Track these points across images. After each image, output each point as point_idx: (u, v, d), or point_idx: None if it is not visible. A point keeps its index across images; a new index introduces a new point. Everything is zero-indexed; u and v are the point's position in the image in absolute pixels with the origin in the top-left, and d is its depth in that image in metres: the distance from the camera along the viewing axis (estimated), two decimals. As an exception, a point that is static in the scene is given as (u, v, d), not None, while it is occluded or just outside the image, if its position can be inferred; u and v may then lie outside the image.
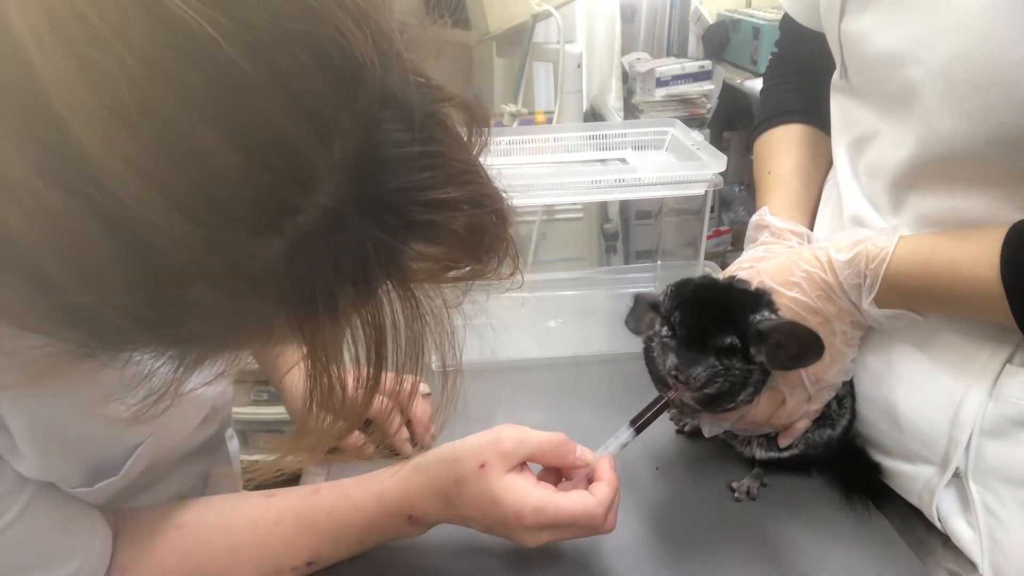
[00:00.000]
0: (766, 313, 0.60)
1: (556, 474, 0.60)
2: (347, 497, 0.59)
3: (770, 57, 0.90)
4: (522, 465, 0.57)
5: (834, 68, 0.69)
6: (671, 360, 0.57)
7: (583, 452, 0.59)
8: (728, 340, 0.57)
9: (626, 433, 0.61)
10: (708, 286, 0.63)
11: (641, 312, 0.64)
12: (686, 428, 0.75)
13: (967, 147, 0.54)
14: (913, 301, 0.60)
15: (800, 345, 0.57)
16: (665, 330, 0.60)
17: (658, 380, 0.63)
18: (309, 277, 0.29)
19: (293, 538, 0.58)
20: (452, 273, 0.37)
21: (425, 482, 0.58)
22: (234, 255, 0.27)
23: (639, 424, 0.61)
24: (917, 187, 0.60)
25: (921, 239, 0.59)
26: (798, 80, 0.84)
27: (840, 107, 0.71)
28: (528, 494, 0.54)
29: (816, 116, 0.79)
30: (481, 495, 0.55)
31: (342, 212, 0.28)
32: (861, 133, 0.67)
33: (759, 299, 0.61)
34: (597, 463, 0.58)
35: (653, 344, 0.61)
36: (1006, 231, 0.54)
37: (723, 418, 0.64)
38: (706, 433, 0.67)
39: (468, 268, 0.38)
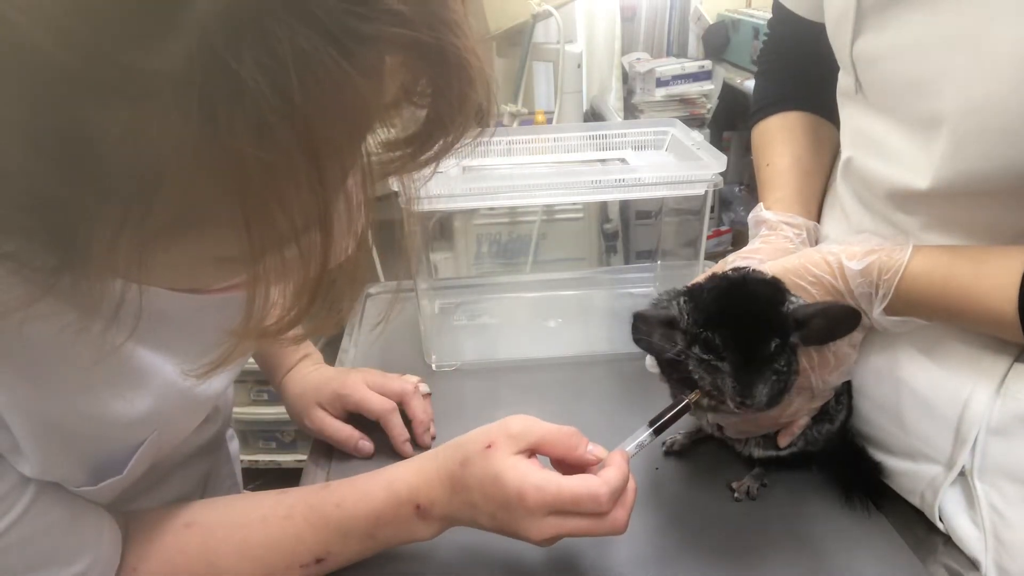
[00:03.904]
0: (792, 299, 0.59)
1: (567, 472, 0.58)
2: (356, 488, 0.59)
3: (763, 38, 0.88)
4: (531, 453, 0.57)
5: (829, 54, 0.67)
6: (731, 387, 0.56)
7: (595, 447, 0.58)
8: (774, 344, 0.56)
9: (644, 433, 0.60)
10: (727, 290, 0.60)
11: (651, 330, 0.61)
12: (675, 447, 0.75)
13: (988, 183, 0.54)
14: (923, 313, 0.60)
15: (835, 321, 0.58)
16: (699, 349, 0.58)
17: (687, 385, 0.61)
18: (224, 91, 0.26)
19: (303, 532, 0.57)
20: (425, 155, 0.36)
21: (433, 468, 0.58)
22: (125, 59, 0.24)
23: (658, 425, 0.60)
24: (929, 202, 0.60)
25: (936, 257, 0.58)
26: (794, 65, 0.82)
27: (851, 116, 0.69)
28: (531, 473, 0.54)
29: (813, 102, 0.78)
30: (484, 474, 0.55)
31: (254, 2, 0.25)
32: (875, 146, 0.65)
33: (777, 287, 0.60)
34: (609, 456, 0.57)
35: (684, 359, 0.59)
36: None
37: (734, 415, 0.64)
38: (710, 420, 0.67)
39: (439, 142, 0.36)
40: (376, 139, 0.35)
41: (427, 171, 0.39)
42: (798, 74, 0.81)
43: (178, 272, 0.36)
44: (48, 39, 0.24)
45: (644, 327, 0.61)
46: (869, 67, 0.62)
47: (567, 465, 0.58)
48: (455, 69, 0.33)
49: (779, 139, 0.80)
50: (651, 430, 0.60)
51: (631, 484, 0.56)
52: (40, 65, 0.24)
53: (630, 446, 0.59)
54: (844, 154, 0.70)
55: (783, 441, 0.67)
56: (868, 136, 0.65)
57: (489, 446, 0.55)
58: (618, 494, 0.54)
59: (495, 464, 0.54)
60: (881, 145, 0.63)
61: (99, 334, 0.33)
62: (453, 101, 0.34)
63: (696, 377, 0.58)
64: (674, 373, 0.62)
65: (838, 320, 0.58)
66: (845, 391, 0.69)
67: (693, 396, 0.59)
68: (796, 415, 0.65)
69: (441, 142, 0.37)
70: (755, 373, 0.56)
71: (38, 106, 0.25)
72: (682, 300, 0.61)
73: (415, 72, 0.33)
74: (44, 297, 0.30)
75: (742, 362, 0.56)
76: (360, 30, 0.28)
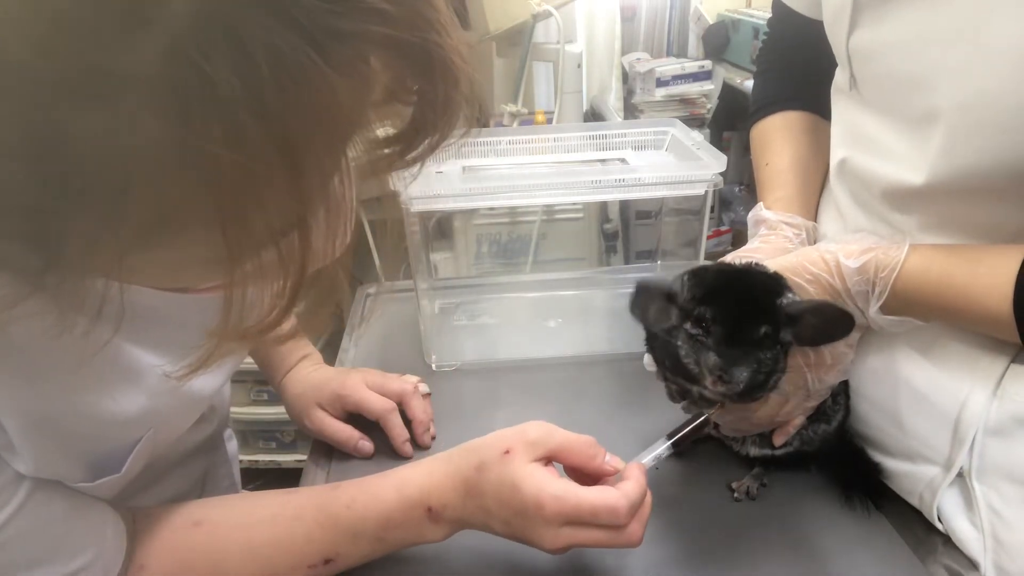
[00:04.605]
0: (790, 295, 0.59)
1: (582, 482, 0.58)
2: (366, 489, 0.59)
3: (763, 38, 0.88)
4: (547, 461, 0.56)
5: (828, 54, 0.67)
6: (712, 361, 0.55)
7: (612, 458, 0.57)
8: (763, 330, 0.56)
9: (662, 446, 0.59)
10: (729, 274, 0.61)
11: (649, 301, 0.61)
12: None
13: (984, 179, 0.53)
14: (919, 313, 0.60)
15: (829, 323, 0.57)
16: (690, 325, 0.58)
17: (678, 372, 0.61)
18: (197, 93, 0.25)
19: (312, 532, 0.57)
20: (412, 154, 0.35)
21: (446, 471, 0.57)
22: (97, 61, 0.24)
23: (676, 439, 0.59)
24: (924, 199, 0.60)
25: (932, 256, 0.58)
26: (792, 64, 0.82)
27: (845, 113, 0.69)
28: (549, 482, 0.53)
29: (812, 102, 0.78)
30: (501, 480, 0.54)
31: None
32: (869, 144, 0.65)
33: (779, 281, 0.60)
34: (626, 468, 0.57)
35: (674, 338, 0.59)
36: (1021, 259, 0.53)
37: (729, 412, 0.64)
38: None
39: (426, 141, 0.36)
40: (362, 138, 0.35)
41: (414, 169, 0.39)
42: (798, 73, 0.81)
43: (162, 271, 0.36)
44: (19, 44, 0.24)
45: (644, 297, 0.61)
46: (864, 62, 0.62)
47: (582, 474, 0.58)
48: (439, 68, 0.33)
49: (778, 139, 0.80)
50: (669, 443, 0.59)
51: (647, 498, 0.55)
52: (13, 70, 0.24)
53: (647, 459, 0.59)
54: (838, 154, 0.70)
55: (778, 440, 0.67)
56: (862, 133, 0.65)
57: (507, 452, 0.55)
58: (636, 508, 0.54)
59: (513, 471, 0.54)
60: (875, 142, 0.63)
61: (84, 332, 0.33)
62: (438, 100, 0.34)
63: (682, 354, 0.58)
64: (666, 358, 0.61)
65: (831, 321, 0.58)
66: (842, 391, 0.69)
67: (712, 411, 0.59)
68: (791, 414, 0.65)
69: (427, 141, 0.37)
70: (738, 353, 0.55)
71: (12, 110, 0.25)
72: (685, 276, 0.61)
73: (399, 72, 0.33)
74: (30, 297, 0.30)
75: (726, 338, 0.56)
76: (339, 28, 0.28)
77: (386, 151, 0.37)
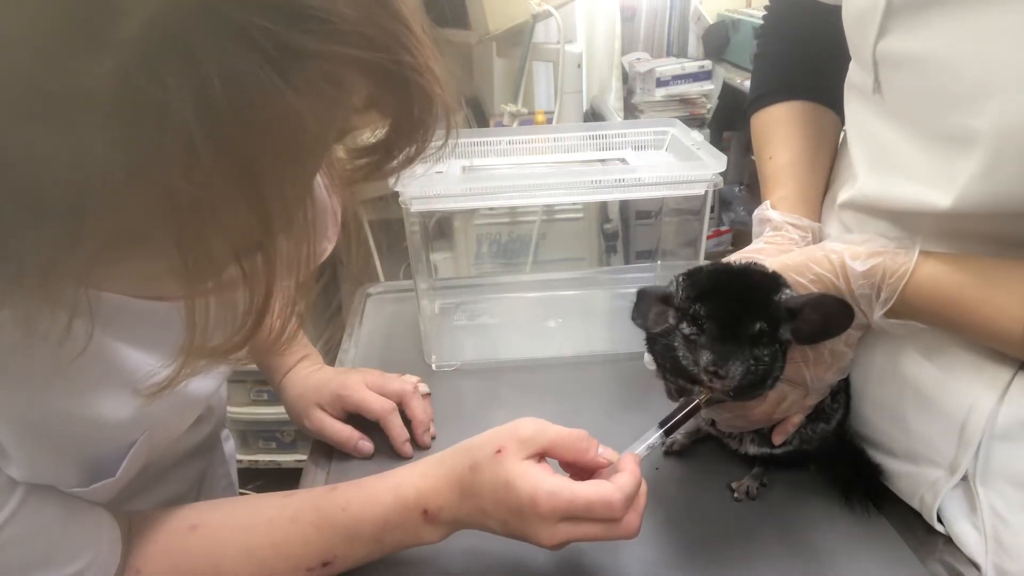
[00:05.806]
0: (787, 291, 0.59)
1: (578, 476, 0.58)
2: (363, 491, 0.59)
3: (763, 16, 0.85)
4: (540, 457, 0.56)
5: (837, 39, 0.64)
6: (706, 357, 0.55)
7: (605, 450, 0.57)
8: (758, 326, 0.56)
9: (655, 435, 0.59)
10: (724, 272, 0.61)
11: (648, 306, 0.62)
12: (675, 447, 0.75)
13: (1018, 206, 0.51)
14: (924, 320, 0.59)
15: (829, 317, 0.57)
16: (685, 325, 0.58)
17: (678, 373, 0.61)
18: (149, 115, 0.25)
19: (309, 535, 0.57)
20: (391, 164, 0.35)
21: (441, 473, 0.57)
22: (50, 79, 0.24)
23: (668, 426, 0.59)
24: (941, 220, 0.58)
25: (943, 268, 0.57)
26: (797, 49, 0.79)
27: (861, 117, 0.66)
28: (544, 479, 0.53)
29: (817, 91, 0.76)
30: (495, 480, 0.54)
31: (181, 17, 0.24)
32: (888, 156, 0.62)
33: (777, 279, 0.60)
34: (620, 459, 0.57)
35: (672, 340, 0.59)
36: None
37: (726, 408, 0.64)
38: (704, 415, 0.67)
39: (403, 152, 0.36)
40: (342, 147, 0.35)
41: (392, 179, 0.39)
42: (803, 59, 0.78)
43: (132, 282, 0.36)
44: None
45: (643, 303, 0.62)
46: (894, 70, 0.58)
47: (577, 468, 0.58)
48: (413, 90, 0.33)
49: (782, 132, 0.78)
50: (661, 431, 0.59)
51: (643, 488, 0.55)
52: None
53: (640, 448, 0.59)
54: (857, 172, 0.66)
55: (778, 439, 0.67)
56: (880, 142, 0.63)
57: (499, 451, 0.55)
58: (631, 499, 0.54)
59: (506, 470, 0.54)
60: (895, 155, 0.60)
61: (63, 336, 0.33)
62: (413, 120, 0.34)
63: (680, 355, 0.58)
64: (667, 361, 0.61)
65: (831, 314, 0.57)
66: (842, 390, 0.68)
67: (703, 396, 0.59)
68: (789, 411, 0.65)
69: (403, 154, 0.37)
70: (733, 348, 0.55)
71: None
72: (681, 278, 0.61)
73: (371, 91, 0.33)
74: (9, 303, 0.30)
75: (720, 334, 0.56)
76: (301, 48, 0.27)
77: (366, 160, 0.37)
